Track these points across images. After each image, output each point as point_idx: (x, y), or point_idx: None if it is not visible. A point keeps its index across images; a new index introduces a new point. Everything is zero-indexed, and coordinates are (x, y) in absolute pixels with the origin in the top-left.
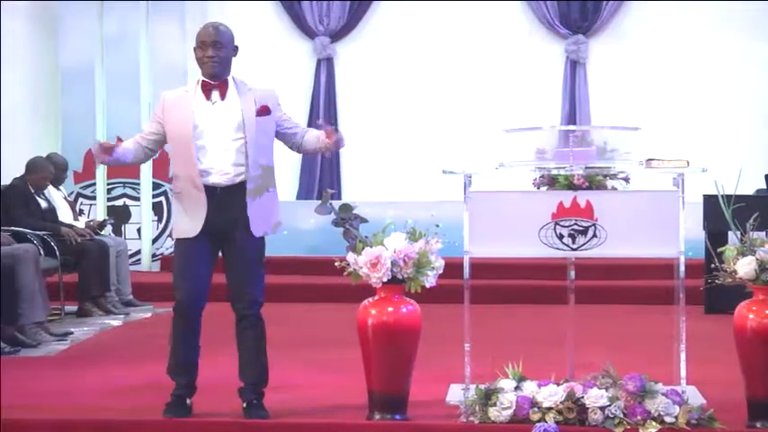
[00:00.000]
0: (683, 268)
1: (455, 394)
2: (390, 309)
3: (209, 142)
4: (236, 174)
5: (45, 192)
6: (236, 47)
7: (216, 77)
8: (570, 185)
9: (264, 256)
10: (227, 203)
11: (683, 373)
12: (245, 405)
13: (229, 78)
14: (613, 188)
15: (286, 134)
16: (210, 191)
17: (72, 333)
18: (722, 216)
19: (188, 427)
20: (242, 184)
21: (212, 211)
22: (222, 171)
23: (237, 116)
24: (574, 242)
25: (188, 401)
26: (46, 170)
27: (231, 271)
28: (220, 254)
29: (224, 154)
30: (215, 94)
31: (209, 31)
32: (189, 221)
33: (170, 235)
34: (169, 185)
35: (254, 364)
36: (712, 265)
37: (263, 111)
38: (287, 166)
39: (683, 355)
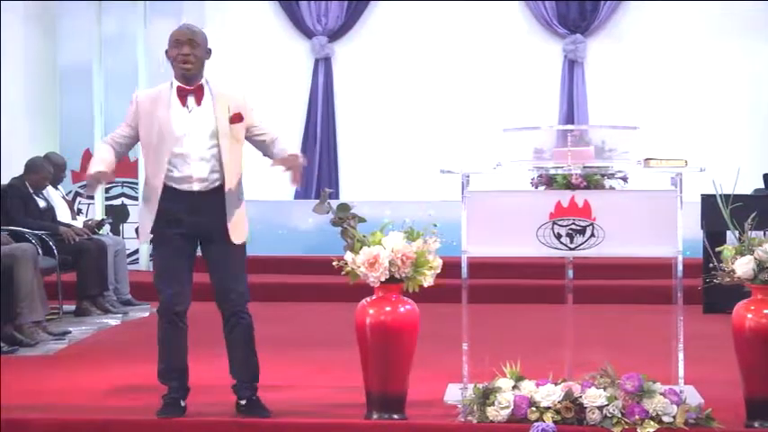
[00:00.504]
0: (681, 268)
1: (453, 394)
2: (388, 308)
3: (187, 151)
4: (212, 180)
5: (43, 191)
6: (210, 50)
7: (190, 78)
8: (568, 185)
9: (246, 255)
10: (202, 206)
11: (681, 372)
12: (243, 402)
13: (203, 83)
14: (611, 188)
15: (254, 141)
16: (185, 195)
17: (70, 332)
18: (720, 216)
19: (186, 427)
20: (217, 190)
21: (187, 213)
22: (200, 178)
23: (212, 123)
24: (572, 242)
25: (182, 403)
26: (45, 170)
27: (214, 274)
28: (200, 254)
29: (201, 162)
30: (191, 101)
31: (184, 30)
32: (144, 223)
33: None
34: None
35: (248, 360)
36: (710, 265)
37: (237, 119)
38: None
39: (681, 355)
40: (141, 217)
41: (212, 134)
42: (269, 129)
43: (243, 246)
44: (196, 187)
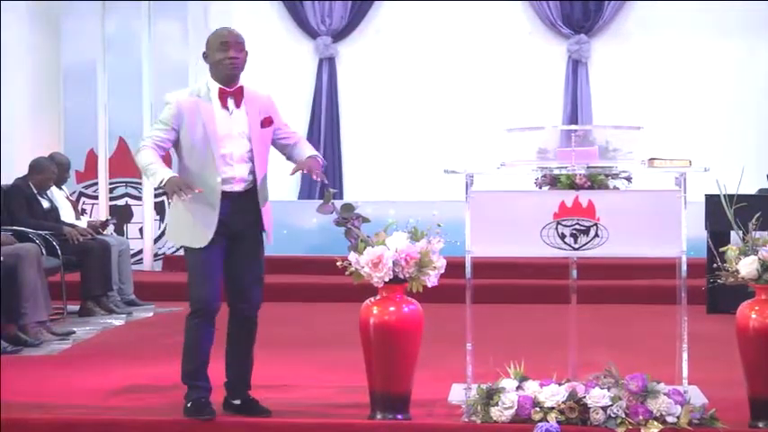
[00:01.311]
0: (684, 268)
1: (457, 394)
2: (392, 308)
3: (229, 152)
4: (250, 182)
5: (47, 192)
6: (247, 52)
7: (233, 80)
8: (572, 185)
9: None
10: (243, 207)
11: (685, 372)
12: (237, 402)
13: (242, 85)
14: (615, 188)
15: (279, 144)
16: (226, 195)
17: (74, 332)
18: (724, 216)
19: (189, 427)
20: (251, 190)
21: (228, 214)
22: (243, 179)
23: (246, 126)
24: (576, 242)
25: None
26: (49, 171)
27: (241, 272)
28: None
29: (241, 164)
30: (231, 103)
31: (231, 32)
32: (200, 229)
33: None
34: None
35: (249, 360)
36: (714, 265)
37: (268, 122)
38: (289, 166)
39: (685, 355)
40: (186, 218)
41: (248, 136)
42: (293, 132)
43: (264, 250)
44: (237, 188)
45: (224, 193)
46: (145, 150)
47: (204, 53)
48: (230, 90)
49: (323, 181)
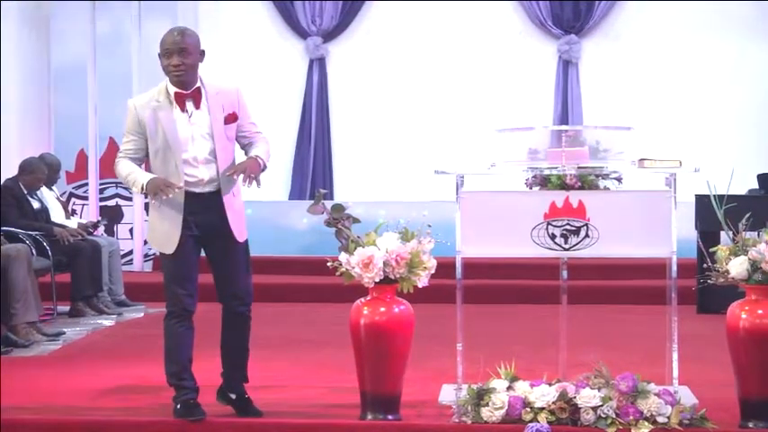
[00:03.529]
0: (675, 268)
1: (447, 394)
2: (383, 309)
3: (193, 155)
4: (213, 181)
5: (37, 192)
6: (203, 51)
7: (184, 86)
8: (563, 185)
9: (249, 254)
10: (211, 207)
11: (675, 373)
12: (233, 397)
13: (199, 85)
14: (606, 188)
15: (240, 141)
16: (194, 197)
17: (64, 333)
18: (714, 216)
19: (180, 428)
20: (217, 191)
21: (197, 215)
22: (210, 180)
23: (208, 126)
24: (566, 242)
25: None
26: (39, 171)
27: (221, 272)
28: (203, 254)
29: (207, 165)
30: (189, 105)
31: (174, 38)
32: (169, 233)
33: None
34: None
35: (246, 360)
36: (704, 265)
37: (231, 119)
38: (279, 166)
39: (675, 355)
40: (159, 224)
41: (209, 135)
42: (254, 132)
43: (246, 244)
44: (206, 188)
45: (191, 195)
46: (121, 162)
47: (159, 54)
48: (187, 93)
49: (248, 185)
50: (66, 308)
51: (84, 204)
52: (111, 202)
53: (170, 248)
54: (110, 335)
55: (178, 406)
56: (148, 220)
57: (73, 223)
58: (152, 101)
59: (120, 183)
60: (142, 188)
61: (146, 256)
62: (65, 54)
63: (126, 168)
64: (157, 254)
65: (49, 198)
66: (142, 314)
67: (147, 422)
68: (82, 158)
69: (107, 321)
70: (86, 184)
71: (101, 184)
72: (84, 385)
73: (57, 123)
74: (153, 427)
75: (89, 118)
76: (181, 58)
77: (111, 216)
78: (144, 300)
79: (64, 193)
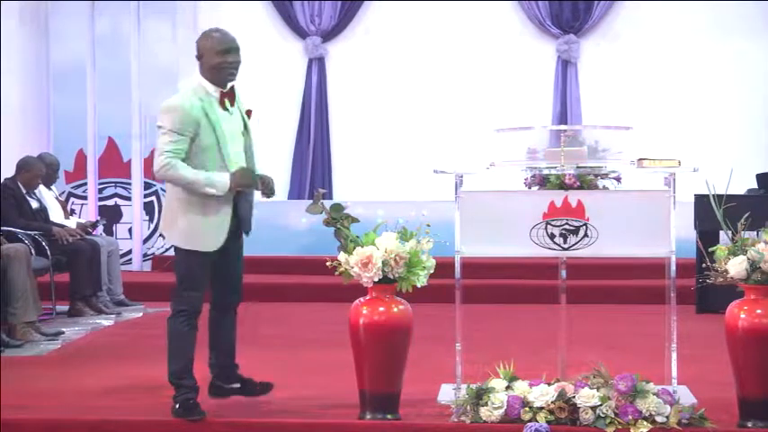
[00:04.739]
0: (674, 268)
1: (446, 394)
2: (382, 308)
3: (237, 150)
4: None
5: (36, 192)
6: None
7: (225, 85)
8: (561, 185)
9: None
10: (243, 201)
11: (674, 372)
12: (238, 385)
13: (234, 84)
14: (605, 188)
15: None
16: (237, 195)
17: (63, 333)
18: (713, 216)
19: (178, 427)
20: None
21: (234, 209)
22: None
23: (241, 123)
24: (565, 242)
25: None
26: (36, 168)
27: (234, 269)
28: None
29: (242, 160)
30: (227, 102)
31: (231, 37)
32: (214, 232)
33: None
34: (180, 193)
35: (235, 347)
36: (703, 265)
37: (250, 114)
38: (278, 166)
39: (674, 355)
40: (202, 221)
41: (242, 132)
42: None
43: None
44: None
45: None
46: (179, 165)
47: (199, 54)
48: (226, 91)
49: (266, 196)
50: (65, 307)
51: (82, 204)
52: (110, 202)
53: (213, 246)
54: (108, 335)
55: (177, 405)
56: (179, 219)
57: (72, 223)
58: (196, 100)
59: (120, 182)
60: (229, 186)
61: (145, 255)
62: (64, 54)
63: (191, 171)
64: (158, 252)
65: (48, 198)
66: (141, 314)
67: (146, 422)
68: (81, 158)
69: (106, 321)
70: (85, 184)
71: (99, 184)
72: (82, 385)
73: (55, 123)
74: (152, 426)
75: (88, 118)
76: (235, 57)
77: (110, 216)
78: (143, 299)
79: (63, 192)
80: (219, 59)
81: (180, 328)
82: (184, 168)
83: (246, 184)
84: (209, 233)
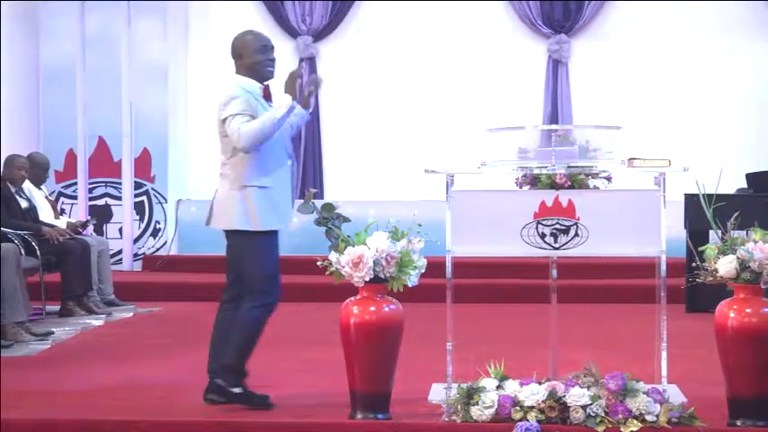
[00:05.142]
0: (664, 267)
1: (437, 393)
2: (373, 308)
3: (286, 139)
4: None
5: (26, 191)
6: None
7: (264, 81)
8: (552, 185)
9: None
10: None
11: (664, 371)
12: (239, 390)
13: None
14: (595, 187)
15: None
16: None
17: (53, 333)
18: (703, 215)
19: (171, 427)
20: None
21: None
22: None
23: None
24: (556, 241)
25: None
26: (18, 162)
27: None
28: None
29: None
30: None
31: (267, 36)
32: (284, 209)
33: (144, 237)
34: (240, 184)
35: None
36: (693, 264)
37: None
38: None
39: (664, 354)
40: (270, 201)
41: None
42: None
43: None
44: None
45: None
46: (249, 124)
47: (237, 54)
48: (267, 86)
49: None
50: (55, 307)
51: (72, 204)
52: (101, 202)
53: (287, 222)
54: (99, 335)
55: (247, 394)
56: (250, 206)
57: (62, 223)
58: (244, 92)
59: (110, 182)
60: (294, 101)
61: (135, 255)
62: (54, 53)
63: (258, 119)
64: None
65: (38, 197)
66: (132, 314)
67: (137, 421)
68: (71, 158)
69: (96, 321)
70: (75, 184)
71: (90, 184)
72: (73, 385)
73: (45, 122)
74: (142, 426)
75: (78, 117)
76: (274, 54)
77: (101, 215)
78: (133, 299)
79: (53, 192)
80: (261, 57)
81: (262, 321)
82: (252, 122)
83: (316, 86)
84: (281, 211)
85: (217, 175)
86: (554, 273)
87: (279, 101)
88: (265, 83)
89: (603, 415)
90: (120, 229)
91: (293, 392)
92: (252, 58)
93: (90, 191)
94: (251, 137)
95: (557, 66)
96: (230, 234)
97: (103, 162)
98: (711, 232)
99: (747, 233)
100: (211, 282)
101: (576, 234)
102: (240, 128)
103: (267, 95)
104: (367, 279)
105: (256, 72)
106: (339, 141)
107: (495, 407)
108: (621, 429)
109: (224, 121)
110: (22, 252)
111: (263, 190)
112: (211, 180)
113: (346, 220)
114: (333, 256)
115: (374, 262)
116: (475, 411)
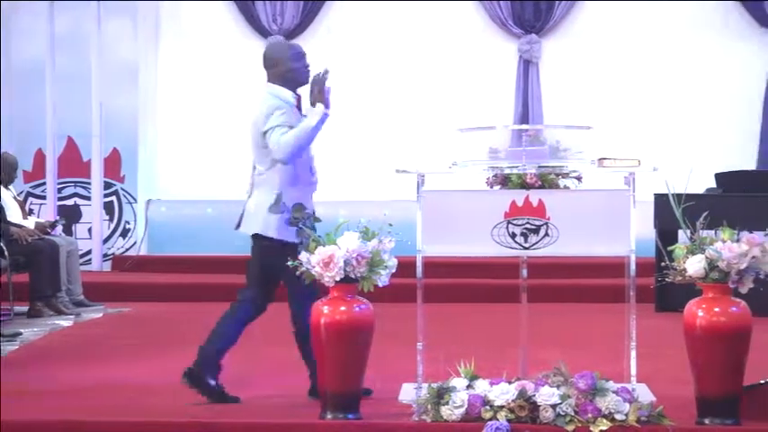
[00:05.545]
0: (633, 267)
1: (407, 393)
2: (343, 308)
3: (311, 156)
4: None
5: None
6: None
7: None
8: (523, 184)
9: None
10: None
11: (633, 370)
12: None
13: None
14: (566, 187)
15: None
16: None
17: (21, 334)
18: (673, 215)
19: (141, 428)
20: None
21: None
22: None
23: None
24: (526, 241)
25: None
26: None
27: None
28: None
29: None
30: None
31: (299, 45)
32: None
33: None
34: (276, 193)
35: None
36: (663, 264)
37: None
38: (240, 165)
39: (633, 353)
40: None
41: None
42: None
43: None
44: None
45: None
46: (286, 135)
47: (272, 63)
48: (298, 96)
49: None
50: (24, 308)
51: (41, 204)
52: (70, 202)
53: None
54: (68, 335)
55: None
56: (282, 215)
57: (30, 223)
58: (282, 102)
59: (79, 182)
60: (324, 108)
61: (105, 255)
62: (22, 53)
63: (293, 130)
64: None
65: (6, 198)
66: (101, 314)
67: (105, 423)
68: (40, 158)
69: (65, 322)
70: (44, 184)
71: (59, 184)
72: (41, 386)
73: (14, 122)
74: (112, 427)
75: (47, 117)
76: (308, 61)
77: (70, 216)
78: (103, 300)
79: (21, 192)
80: (297, 64)
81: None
82: (289, 133)
83: (322, 96)
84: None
85: (186, 175)
86: (524, 272)
87: (311, 113)
88: (298, 93)
89: (573, 414)
90: (90, 230)
91: (264, 392)
92: (287, 65)
93: (59, 191)
94: (289, 148)
95: (527, 66)
96: (259, 239)
97: (73, 162)
98: (680, 232)
99: (716, 233)
100: (181, 282)
101: (547, 234)
102: (279, 139)
103: (299, 105)
104: (338, 279)
105: (292, 80)
106: None
107: (466, 406)
108: (591, 428)
109: (265, 132)
110: None
111: (295, 200)
112: (181, 180)
113: (317, 220)
114: (303, 255)
115: (345, 262)
116: (445, 411)
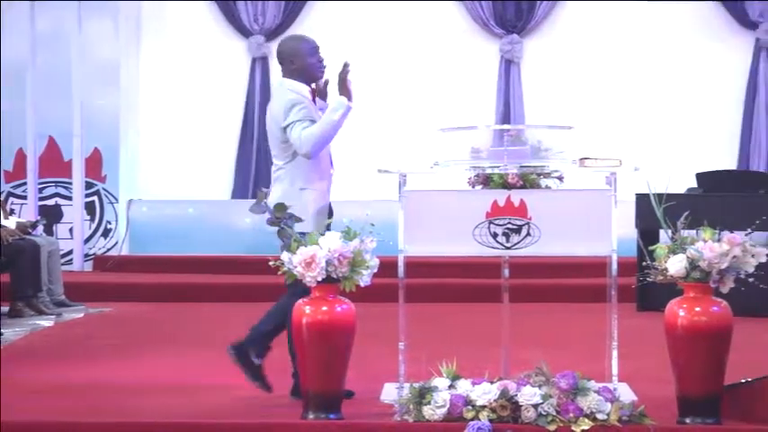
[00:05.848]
0: (615, 266)
1: (389, 393)
2: (325, 308)
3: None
4: None
5: None
6: None
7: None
8: (505, 184)
9: None
10: None
11: (614, 370)
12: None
13: None
14: (547, 187)
15: None
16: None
17: (2, 334)
18: (654, 215)
19: (119, 428)
20: None
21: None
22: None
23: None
24: (508, 241)
25: None
26: None
27: None
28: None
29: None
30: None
31: (313, 39)
32: (323, 216)
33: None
34: (299, 186)
35: None
36: (644, 263)
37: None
38: (222, 165)
39: (614, 353)
40: (316, 204)
41: None
42: None
43: None
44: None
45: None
46: (309, 129)
47: (288, 58)
48: (313, 90)
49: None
50: (4, 308)
51: (22, 204)
52: (51, 202)
53: (322, 230)
54: (48, 336)
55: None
56: (306, 206)
57: (11, 223)
58: (305, 99)
59: (60, 182)
60: (347, 101)
61: (86, 255)
62: (3, 52)
63: (317, 123)
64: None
65: None
66: (82, 314)
67: (86, 424)
68: (20, 157)
69: (46, 322)
70: (25, 184)
71: (40, 184)
72: (22, 386)
73: None
74: (92, 428)
75: (28, 116)
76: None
77: (51, 215)
78: (84, 300)
79: (1, 192)
80: (312, 59)
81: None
82: (312, 127)
83: (347, 89)
84: (326, 214)
85: (168, 175)
86: (506, 272)
87: (334, 106)
88: (312, 86)
89: (555, 414)
90: (71, 230)
91: (245, 393)
92: (304, 60)
93: (40, 191)
94: (313, 141)
95: (509, 66)
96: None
97: (54, 162)
98: (662, 232)
99: (697, 232)
100: (162, 282)
101: (528, 233)
102: (302, 134)
103: (314, 98)
104: (319, 279)
105: (308, 74)
106: None
107: (447, 406)
108: (573, 428)
109: (286, 128)
110: None
111: (317, 193)
112: (163, 180)
113: (298, 220)
114: (285, 256)
115: (326, 262)
116: (427, 411)
